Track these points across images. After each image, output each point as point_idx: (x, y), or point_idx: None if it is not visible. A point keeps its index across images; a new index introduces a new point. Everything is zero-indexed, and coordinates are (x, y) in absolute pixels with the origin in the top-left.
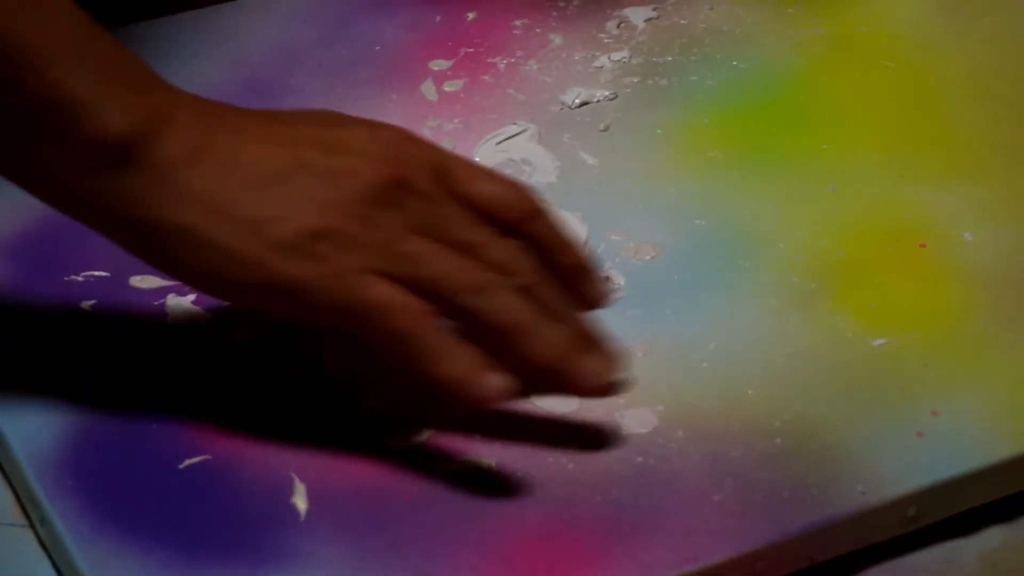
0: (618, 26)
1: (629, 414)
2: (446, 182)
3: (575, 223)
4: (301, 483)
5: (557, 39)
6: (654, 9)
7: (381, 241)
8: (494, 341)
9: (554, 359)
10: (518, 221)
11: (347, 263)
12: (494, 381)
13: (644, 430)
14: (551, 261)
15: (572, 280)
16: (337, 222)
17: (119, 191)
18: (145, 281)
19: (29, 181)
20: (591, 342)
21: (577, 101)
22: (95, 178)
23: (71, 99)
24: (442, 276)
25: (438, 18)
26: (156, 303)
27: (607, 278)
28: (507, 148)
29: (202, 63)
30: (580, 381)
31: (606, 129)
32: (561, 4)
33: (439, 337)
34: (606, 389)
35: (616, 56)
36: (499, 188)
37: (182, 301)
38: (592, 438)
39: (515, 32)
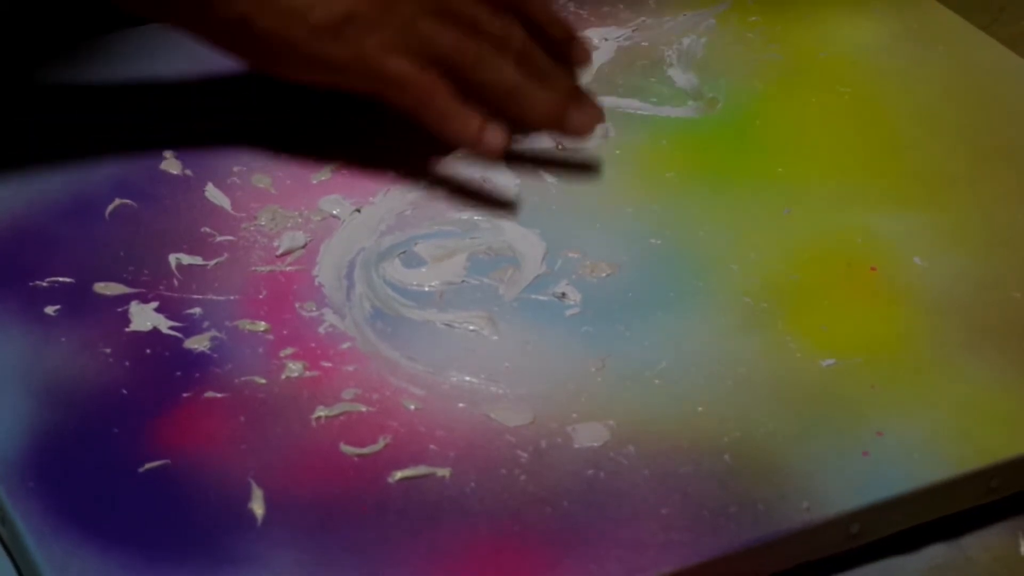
0: None
1: (581, 428)
2: None
3: (533, 239)
4: (259, 488)
5: None
6: (616, 31)
7: (398, 23)
8: (496, 104)
9: (548, 115)
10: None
11: (372, 43)
12: (496, 136)
13: (596, 444)
14: (541, 32)
15: (560, 46)
16: (361, 9)
17: None
18: (109, 288)
19: None
20: (577, 96)
21: None
22: None
23: None
24: (451, 51)
25: None
26: (119, 309)
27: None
28: (468, 165)
29: (167, 73)
30: (571, 130)
31: (564, 148)
32: None
33: (449, 102)
34: (590, 133)
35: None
36: None
37: (145, 308)
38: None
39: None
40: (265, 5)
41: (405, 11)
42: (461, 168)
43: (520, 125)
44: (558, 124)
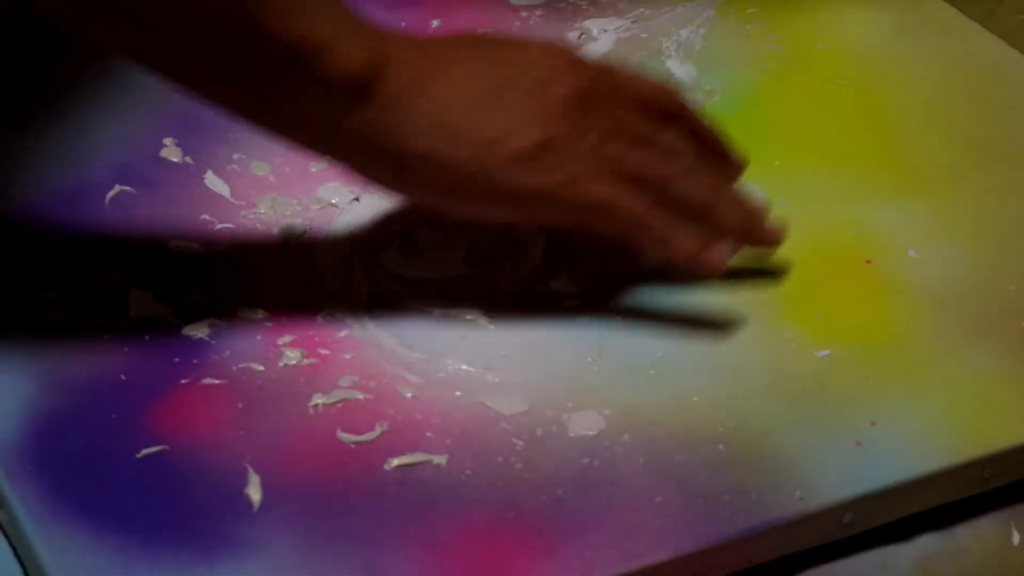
0: (579, 37)
1: (577, 416)
2: (619, 88)
3: (532, 230)
4: (255, 474)
5: None
6: (615, 21)
7: (589, 145)
8: (691, 217)
9: (742, 225)
10: (672, 112)
11: (570, 168)
12: (720, 252)
13: (591, 432)
14: (703, 142)
15: (718, 157)
16: (553, 132)
17: (363, 121)
18: (108, 274)
19: (280, 124)
20: (746, 204)
21: None
22: (340, 112)
23: (315, 42)
24: (643, 170)
25: (402, 24)
26: (118, 296)
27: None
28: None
29: None
30: (765, 239)
31: None
32: (524, 14)
33: (665, 222)
34: (780, 235)
35: None
36: (655, 88)
37: (144, 294)
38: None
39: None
40: (453, 137)
41: (592, 134)
42: None
43: (714, 235)
44: (751, 234)
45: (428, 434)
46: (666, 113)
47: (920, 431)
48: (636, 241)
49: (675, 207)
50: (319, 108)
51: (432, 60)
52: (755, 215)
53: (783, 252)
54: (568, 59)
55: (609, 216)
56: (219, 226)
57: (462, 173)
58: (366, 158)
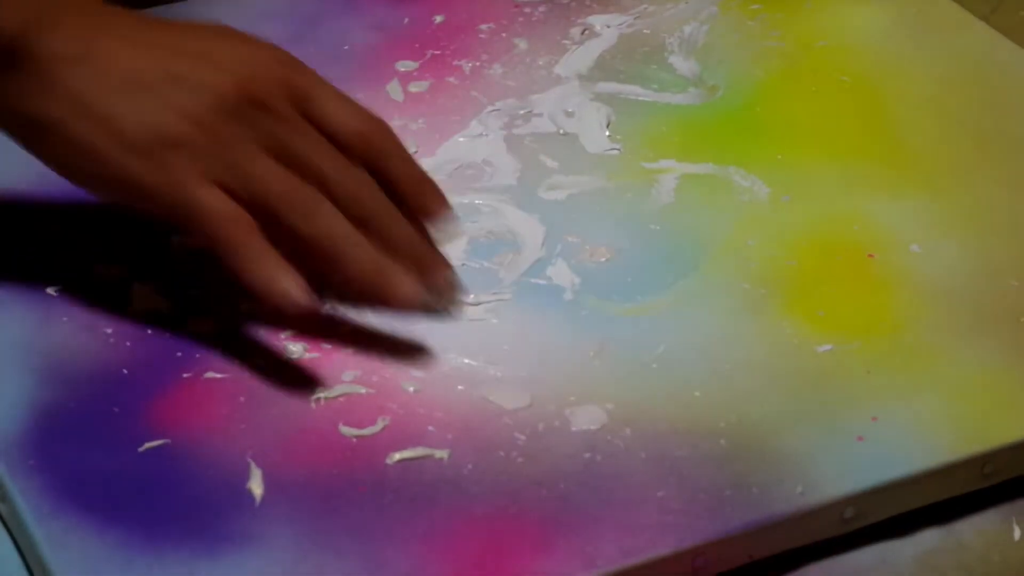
0: (582, 33)
1: (579, 411)
2: (308, 108)
3: (533, 224)
4: (257, 468)
5: (522, 44)
6: (618, 17)
7: (225, 154)
8: (315, 261)
9: (365, 279)
10: (370, 155)
11: (187, 170)
12: (293, 292)
13: (593, 427)
14: (401, 195)
15: (419, 214)
16: (185, 131)
17: (6, 86)
18: (111, 268)
19: None
20: (420, 259)
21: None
22: None
23: None
24: (272, 194)
25: (406, 20)
26: (121, 290)
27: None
28: (470, 149)
29: None
30: (390, 301)
31: (566, 134)
32: (527, 9)
33: (253, 248)
34: (415, 305)
35: (578, 62)
36: (356, 121)
37: (146, 288)
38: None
39: (481, 36)
40: (83, 112)
41: (237, 144)
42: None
43: (343, 287)
44: (379, 289)
45: (430, 428)
46: (357, 145)
47: (921, 426)
48: (225, 260)
49: (303, 245)
50: None
51: (108, 37)
52: (389, 272)
53: (784, 246)
54: (253, 63)
55: (201, 225)
56: None
57: (80, 148)
58: (7, 121)
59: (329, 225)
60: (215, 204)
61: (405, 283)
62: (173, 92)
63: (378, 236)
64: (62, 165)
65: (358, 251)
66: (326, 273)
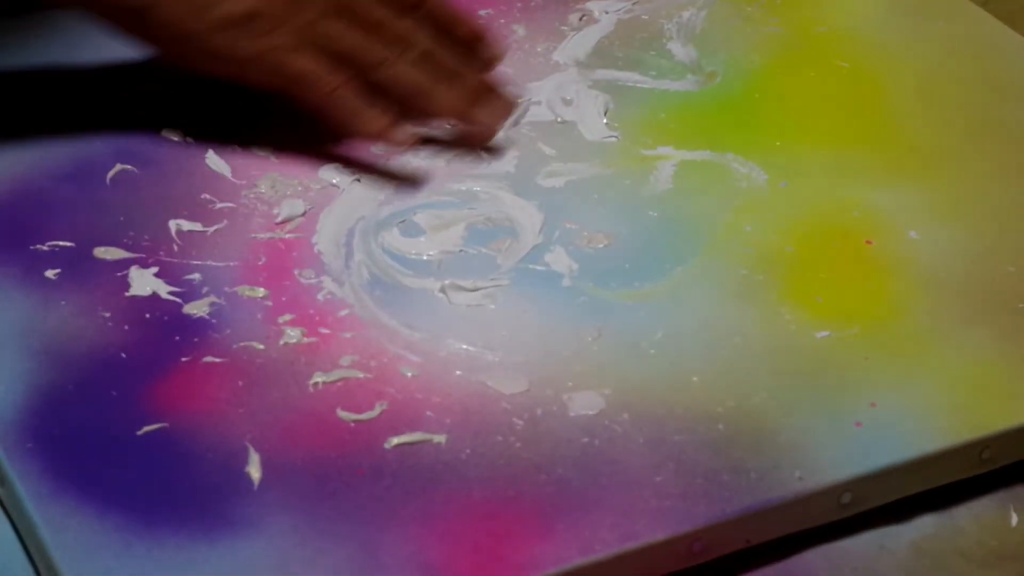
0: (580, 19)
1: (577, 396)
2: None
3: (531, 210)
4: (256, 453)
5: (520, 30)
6: (616, 3)
7: (302, 22)
8: (401, 102)
9: (451, 111)
10: (416, 3)
11: (276, 40)
12: (402, 133)
13: (591, 412)
14: (447, 32)
15: (468, 45)
16: (266, 4)
17: None
18: (109, 252)
19: None
20: (485, 93)
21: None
22: None
23: None
24: (354, 51)
25: None
26: (119, 274)
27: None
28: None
29: None
30: (473, 132)
31: (564, 121)
32: None
33: (354, 101)
34: (495, 132)
35: (576, 49)
36: None
37: (144, 273)
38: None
39: (479, 22)
40: None
41: (310, 11)
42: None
43: (427, 120)
44: (463, 120)
45: (428, 413)
46: (409, 3)
47: (919, 412)
48: (329, 116)
49: (385, 89)
50: None
51: None
52: (468, 102)
53: (782, 232)
54: None
55: (304, 88)
56: (220, 205)
57: (175, 31)
58: (112, 13)
59: (410, 72)
60: (310, 67)
61: (481, 112)
62: None
63: (448, 77)
64: (161, 43)
65: (438, 91)
66: (412, 112)
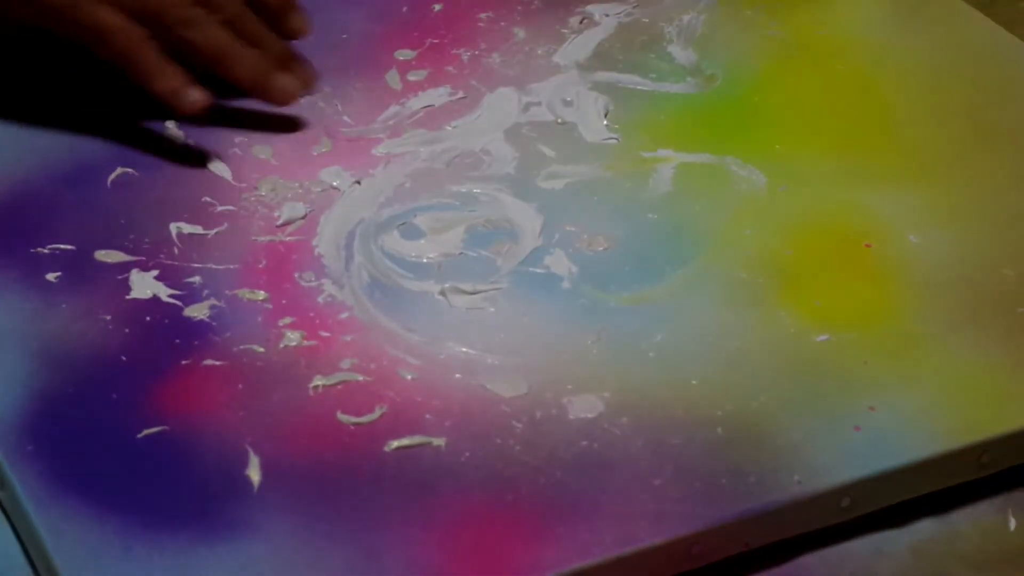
0: (580, 22)
1: (576, 399)
2: None
3: (531, 213)
4: (255, 455)
5: (520, 33)
6: (617, 6)
7: None
8: (202, 64)
9: (251, 77)
10: None
11: None
12: (195, 95)
13: (590, 415)
14: (265, 11)
15: (276, 14)
16: None
17: None
18: (109, 255)
19: None
20: (288, 62)
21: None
22: None
23: None
24: (160, 8)
25: (405, 8)
26: (119, 277)
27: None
28: (467, 138)
29: None
30: (272, 95)
31: (563, 123)
32: None
33: (153, 58)
34: (294, 98)
35: (576, 51)
36: None
37: (145, 276)
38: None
39: (480, 25)
40: None
41: None
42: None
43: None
44: (262, 86)
45: (428, 416)
46: None
47: (918, 416)
48: (128, 71)
49: (187, 50)
50: None
51: None
52: (269, 69)
53: (782, 235)
54: None
55: (105, 43)
56: (220, 208)
57: None
58: None
59: (215, 34)
60: (112, 20)
61: (283, 78)
62: None
63: (252, 42)
64: None
65: (242, 54)
66: (214, 74)
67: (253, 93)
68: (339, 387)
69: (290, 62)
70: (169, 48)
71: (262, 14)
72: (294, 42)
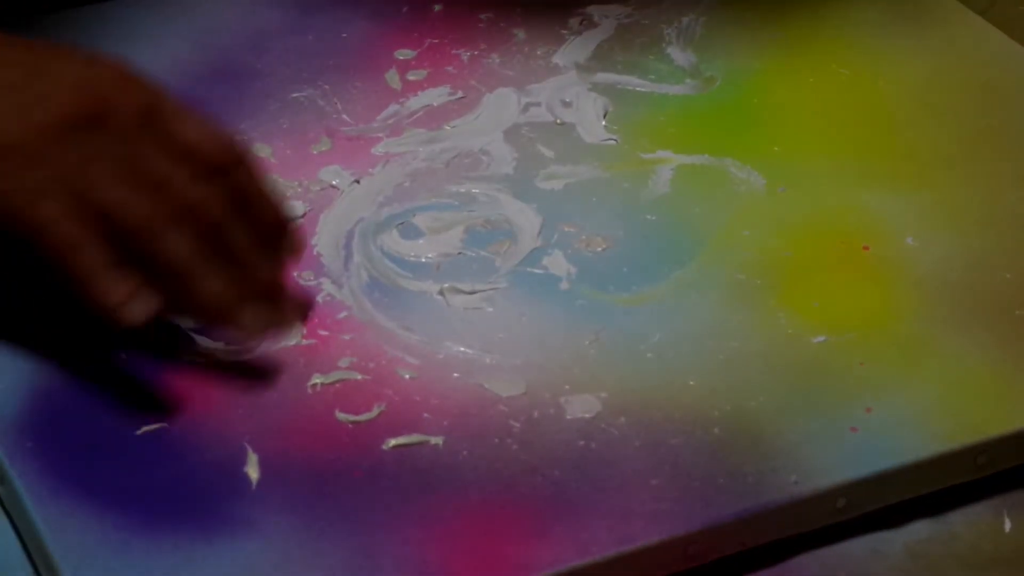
0: (580, 23)
1: (574, 399)
2: (153, 123)
3: (530, 213)
4: (254, 453)
5: (520, 34)
6: (617, 8)
7: (65, 163)
8: (158, 279)
9: (211, 308)
10: (218, 167)
11: (24, 181)
12: (138, 309)
13: (588, 415)
14: (249, 210)
15: (266, 230)
16: (21, 141)
17: None
18: None
19: None
20: (270, 292)
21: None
22: None
23: None
24: (116, 207)
25: (405, 8)
26: None
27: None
28: (466, 138)
29: (169, 44)
30: (236, 329)
31: (563, 124)
32: None
33: (92, 262)
34: (258, 337)
35: (576, 52)
36: (203, 132)
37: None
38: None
39: (480, 25)
40: None
41: (81, 151)
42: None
43: (182, 310)
44: (224, 320)
45: (425, 415)
46: (214, 166)
47: (915, 417)
48: (66, 275)
49: (146, 260)
50: None
51: None
52: (237, 299)
53: (780, 237)
54: (102, 81)
55: (43, 237)
56: None
57: None
58: None
59: (176, 251)
60: (51, 215)
61: (248, 316)
62: (14, 101)
63: (226, 257)
64: None
65: (205, 282)
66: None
67: (209, 325)
68: (338, 386)
69: (270, 294)
70: (120, 253)
71: (253, 228)
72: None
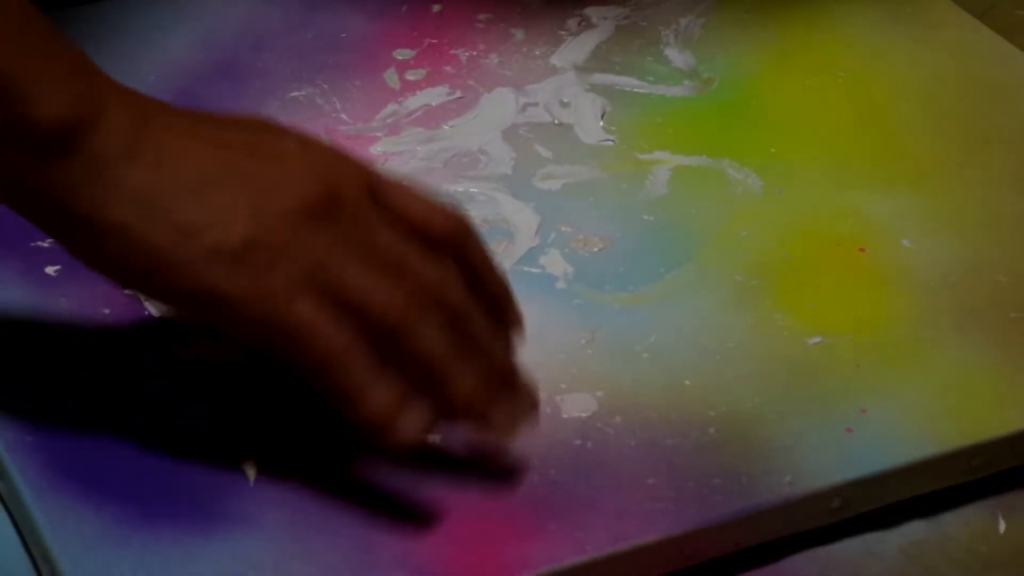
0: (579, 24)
1: (570, 399)
2: (377, 200)
3: (527, 213)
4: (252, 450)
5: (519, 34)
6: (615, 9)
7: (311, 258)
8: (414, 378)
9: (469, 407)
10: (447, 240)
11: (275, 279)
12: (415, 421)
13: (583, 414)
14: (477, 282)
15: (496, 307)
16: (268, 233)
17: (55, 180)
18: None
19: None
20: (508, 376)
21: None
22: (32, 163)
23: (8, 77)
24: (368, 299)
25: (404, 8)
26: None
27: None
28: (465, 137)
29: (169, 43)
30: (492, 428)
31: (560, 124)
32: (525, 0)
33: (363, 373)
34: (515, 431)
35: (574, 53)
36: (427, 206)
37: None
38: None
39: (478, 25)
40: (152, 215)
41: (319, 242)
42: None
43: (436, 407)
44: (479, 418)
45: None
46: (442, 242)
47: (910, 419)
48: (325, 384)
49: (400, 358)
50: (5, 155)
51: (158, 127)
52: (492, 394)
53: (777, 239)
54: (325, 162)
55: (304, 345)
56: None
57: (153, 259)
58: (54, 223)
59: (434, 346)
60: (313, 319)
61: (499, 414)
62: (242, 189)
63: (471, 346)
64: (126, 274)
65: (461, 379)
66: (426, 383)
67: (463, 421)
68: None
69: (508, 382)
70: (375, 352)
71: (482, 305)
72: None
